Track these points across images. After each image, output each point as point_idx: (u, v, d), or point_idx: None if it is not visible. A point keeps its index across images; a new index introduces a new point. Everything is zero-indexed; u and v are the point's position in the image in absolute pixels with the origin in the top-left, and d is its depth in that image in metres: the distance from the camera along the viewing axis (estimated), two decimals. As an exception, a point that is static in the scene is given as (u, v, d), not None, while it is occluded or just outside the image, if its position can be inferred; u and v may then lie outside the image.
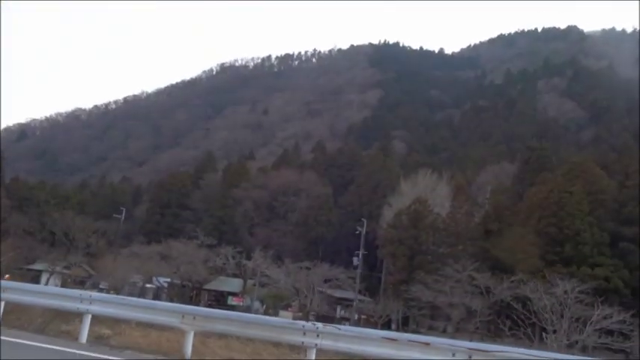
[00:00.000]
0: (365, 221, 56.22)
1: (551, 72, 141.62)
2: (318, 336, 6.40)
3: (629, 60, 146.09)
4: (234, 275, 54.45)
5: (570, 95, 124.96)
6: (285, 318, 48.57)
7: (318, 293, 44.41)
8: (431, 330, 50.24)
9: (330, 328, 6.41)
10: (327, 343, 6.38)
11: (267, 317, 7.73)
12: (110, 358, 7.88)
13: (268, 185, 77.29)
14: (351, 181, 78.53)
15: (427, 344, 5.83)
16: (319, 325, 6.43)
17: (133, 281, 52.33)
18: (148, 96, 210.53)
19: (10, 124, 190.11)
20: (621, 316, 30.15)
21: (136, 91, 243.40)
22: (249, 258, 52.59)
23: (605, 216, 47.08)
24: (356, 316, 47.51)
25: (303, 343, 6.48)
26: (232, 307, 51.06)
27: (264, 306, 52.14)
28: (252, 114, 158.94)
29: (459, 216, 51.76)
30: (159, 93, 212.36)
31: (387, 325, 45.17)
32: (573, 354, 28.61)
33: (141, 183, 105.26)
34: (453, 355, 5.76)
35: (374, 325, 41.46)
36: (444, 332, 50.09)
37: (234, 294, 53.71)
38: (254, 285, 51.80)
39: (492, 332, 42.59)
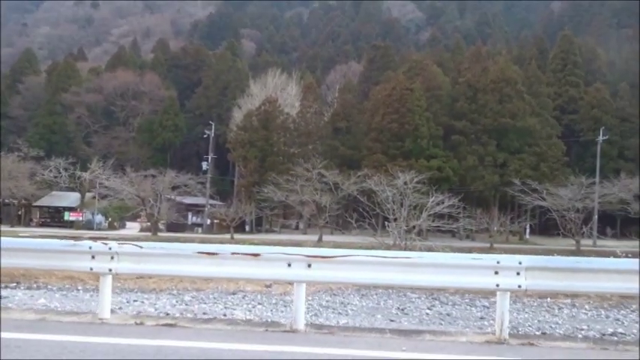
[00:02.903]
0: (213, 124, 53.81)
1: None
2: (112, 258, 4.81)
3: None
4: (70, 189, 49.33)
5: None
6: (132, 229, 46.01)
7: (166, 201, 42.14)
8: (284, 228, 51.73)
9: (128, 247, 4.84)
10: (125, 266, 4.84)
11: (36, 241, 5.87)
12: None
13: (104, 88, 69.35)
14: (198, 83, 73.88)
15: (256, 255, 4.59)
16: (113, 244, 4.82)
17: (-59, 204, 44.70)
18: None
19: None
20: (451, 202, 33.19)
21: None
22: (85, 169, 47.70)
23: (440, 111, 50.56)
24: (208, 222, 46.60)
25: (92, 269, 4.86)
26: (70, 223, 46.85)
27: (108, 219, 48.67)
28: (78, 7, 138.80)
29: (308, 115, 51.77)
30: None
31: (241, 227, 45.19)
32: (411, 238, 31.16)
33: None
34: (289, 265, 4.65)
35: (227, 229, 41.02)
36: (296, 229, 51.90)
37: (71, 209, 48.95)
38: (94, 198, 47.57)
39: (341, 225, 44.99)
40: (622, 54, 68.60)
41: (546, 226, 45.25)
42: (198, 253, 4.60)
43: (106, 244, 4.73)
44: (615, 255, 33.77)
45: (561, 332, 13.16)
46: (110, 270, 4.72)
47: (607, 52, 69.42)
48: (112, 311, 5.13)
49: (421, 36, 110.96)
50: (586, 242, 37.98)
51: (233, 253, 4.61)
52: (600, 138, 47.43)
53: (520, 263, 4.54)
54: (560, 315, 15.99)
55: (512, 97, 48.66)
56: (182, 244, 4.90)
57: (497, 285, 4.57)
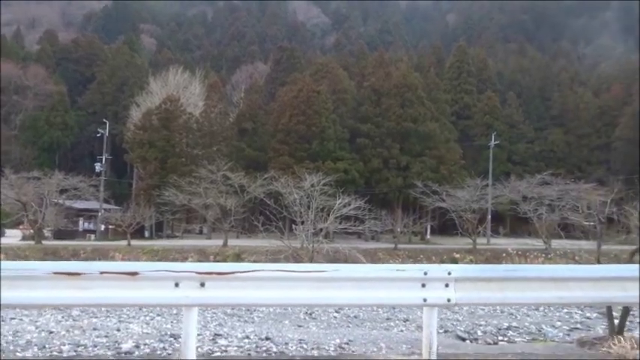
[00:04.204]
0: (108, 123, 50.20)
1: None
2: None
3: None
4: (-63, 194, 43.39)
5: (316, 1, 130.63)
6: (13, 237, 41.28)
7: (53, 206, 38.36)
8: (187, 233, 49.36)
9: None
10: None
11: None
12: None
13: (-20, 81, 62.28)
14: (91, 79, 68.83)
15: (133, 274, 3.59)
16: None
17: None
18: None
19: None
20: (357, 203, 33.34)
21: None
22: (-44, 171, 42.21)
23: (346, 114, 51.09)
24: (102, 227, 43.19)
25: None
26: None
27: (-17, 227, 43.41)
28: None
29: (213, 115, 49.94)
30: None
31: (139, 233, 42.40)
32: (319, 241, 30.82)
33: None
34: (177, 285, 3.70)
35: (123, 235, 38.17)
36: (200, 234, 49.78)
37: (-62, 217, 43.04)
38: (-35, 203, 42.17)
39: (247, 229, 43.69)
40: (508, 65, 74.22)
41: (445, 226, 47.23)
42: (55, 273, 3.53)
43: None
44: (507, 252, 36.08)
45: (462, 329, 13.28)
46: None
47: (496, 63, 74.64)
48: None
49: (326, 40, 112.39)
50: (481, 241, 40.05)
51: (102, 273, 3.58)
52: (492, 143, 50.52)
53: (449, 274, 3.98)
54: (460, 312, 16.27)
55: (414, 102, 50.34)
56: (34, 263, 3.77)
57: (425, 300, 3.96)
